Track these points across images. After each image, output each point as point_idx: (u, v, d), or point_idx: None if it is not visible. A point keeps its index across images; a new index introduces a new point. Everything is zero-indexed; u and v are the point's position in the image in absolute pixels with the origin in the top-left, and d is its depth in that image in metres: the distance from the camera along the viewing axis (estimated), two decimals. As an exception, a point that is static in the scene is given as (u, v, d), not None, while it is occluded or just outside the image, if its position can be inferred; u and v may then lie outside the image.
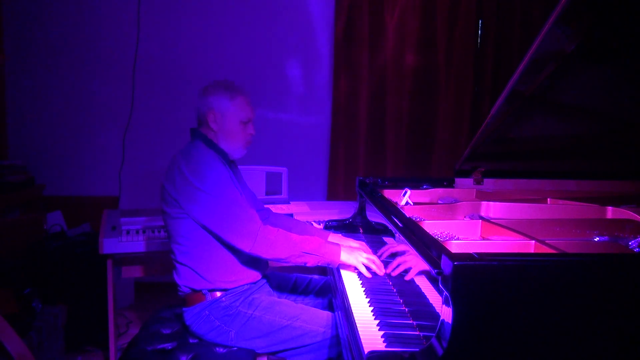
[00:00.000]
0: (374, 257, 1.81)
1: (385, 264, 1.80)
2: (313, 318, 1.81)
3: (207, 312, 1.84)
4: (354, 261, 1.78)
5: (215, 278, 1.85)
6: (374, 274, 1.77)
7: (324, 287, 2.13)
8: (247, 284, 1.90)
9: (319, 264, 1.79)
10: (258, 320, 1.81)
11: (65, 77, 3.68)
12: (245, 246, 1.74)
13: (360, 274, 1.79)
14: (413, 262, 1.69)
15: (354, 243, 1.98)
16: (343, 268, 1.83)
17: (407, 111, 3.77)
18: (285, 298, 2.07)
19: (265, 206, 2.28)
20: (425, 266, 1.51)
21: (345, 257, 1.78)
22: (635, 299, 1.06)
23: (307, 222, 2.66)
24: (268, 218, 2.20)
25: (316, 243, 1.78)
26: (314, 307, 1.99)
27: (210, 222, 1.78)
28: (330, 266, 1.84)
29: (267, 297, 1.92)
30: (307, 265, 1.80)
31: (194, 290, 1.86)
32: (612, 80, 1.75)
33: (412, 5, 3.67)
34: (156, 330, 1.93)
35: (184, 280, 1.87)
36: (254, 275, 1.93)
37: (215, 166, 1.80)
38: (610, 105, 1.88)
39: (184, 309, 1.89)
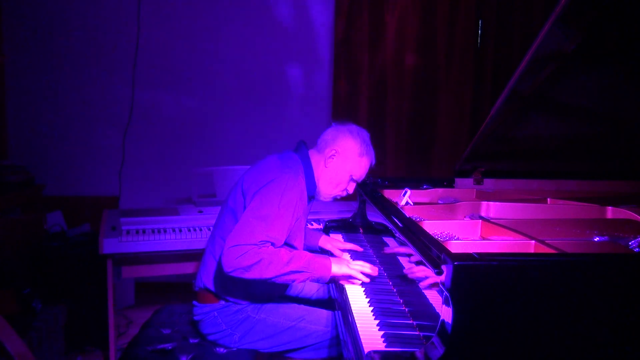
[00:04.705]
0: (364, 262, 1.75)
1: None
2: (316, 319, 1.81)
3: (215, 313, 1.83)
4: (347, 270, 1.70)
5: (235, 288, 1.80)
6: (373, 277, 1.74)
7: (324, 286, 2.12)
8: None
9: (309, 280, 1.70)
10: (263, 322, 1.80)
11: (65, 77, 3.67)
12: (230, 257, 1.58)
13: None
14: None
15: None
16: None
17: (407, 111, 3.76)
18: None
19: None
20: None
21: (336, 268, 1.70)
22: (635, 299, 1.06)
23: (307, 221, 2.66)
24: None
25: (304, 259, 1.67)
26: (315, 305, 1.99)
27: (240, 221, 1.66)
28: (320, 282, 1.74)
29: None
30: (296, 282, 1.72)
31: (209, 291, 1.84)
32: (612, 81, 1.76)
33: (412, 5, 3.66)
34: (156, 330, 1.92)
35: (206, 276, 1.84)
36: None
37: (290, 204, 1.70)
38: (610, 105, 1.88)
39: (194, 302, 1.88)
